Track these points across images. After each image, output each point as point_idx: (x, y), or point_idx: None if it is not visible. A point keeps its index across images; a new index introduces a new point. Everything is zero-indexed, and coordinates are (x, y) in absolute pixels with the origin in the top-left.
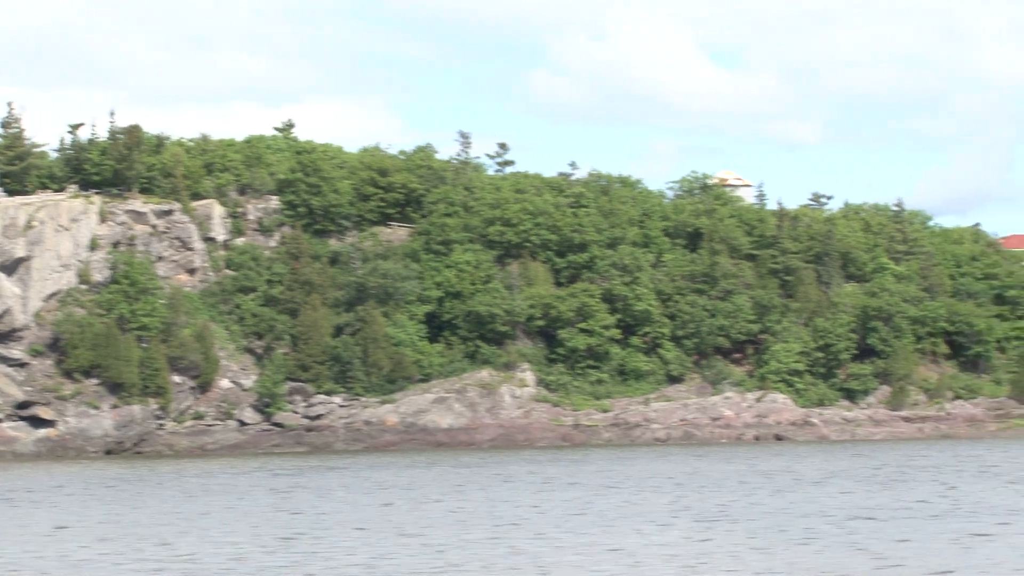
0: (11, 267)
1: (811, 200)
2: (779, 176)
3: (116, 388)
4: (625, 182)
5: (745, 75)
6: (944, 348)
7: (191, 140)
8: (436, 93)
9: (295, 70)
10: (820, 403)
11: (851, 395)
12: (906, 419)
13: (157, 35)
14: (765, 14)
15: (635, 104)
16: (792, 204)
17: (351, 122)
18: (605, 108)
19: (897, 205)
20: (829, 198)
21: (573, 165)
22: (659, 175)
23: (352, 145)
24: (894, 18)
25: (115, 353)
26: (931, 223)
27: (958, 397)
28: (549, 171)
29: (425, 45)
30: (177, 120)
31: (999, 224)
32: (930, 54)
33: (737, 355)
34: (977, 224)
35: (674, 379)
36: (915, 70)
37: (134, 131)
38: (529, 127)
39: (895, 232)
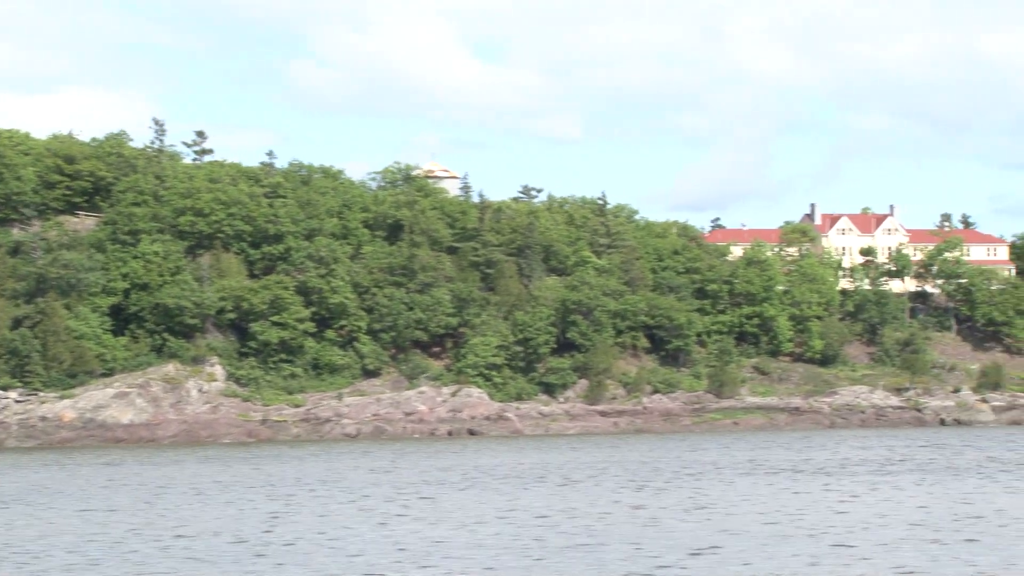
0: None
1: (521, 193)
2: (543, 171)
3: None
4: (327, 172)
5: (507, 70)
6: (644, 342)
7: None
8: (198, 84)
9: (51, 59)
10: (519, 397)
11: (550, 389)
12: (602, 413)
13: None
14: (526, 8)
15: (399, 97)
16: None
17: (109, 112)
18: (369, 100)
19: (601, 199)
20: (539, 191)
21: (271, 155)
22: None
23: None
24: (653, 15)
25: None
26: (637, 216)
27: (657, 391)
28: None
29: (185, 35)
30: None
31: (756, 219)
32: (688, 52)
33: (436, 349)
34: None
35: (370, 373)
36: (674, 67)
37: None
38: (292, 119)
39: (599, 225)
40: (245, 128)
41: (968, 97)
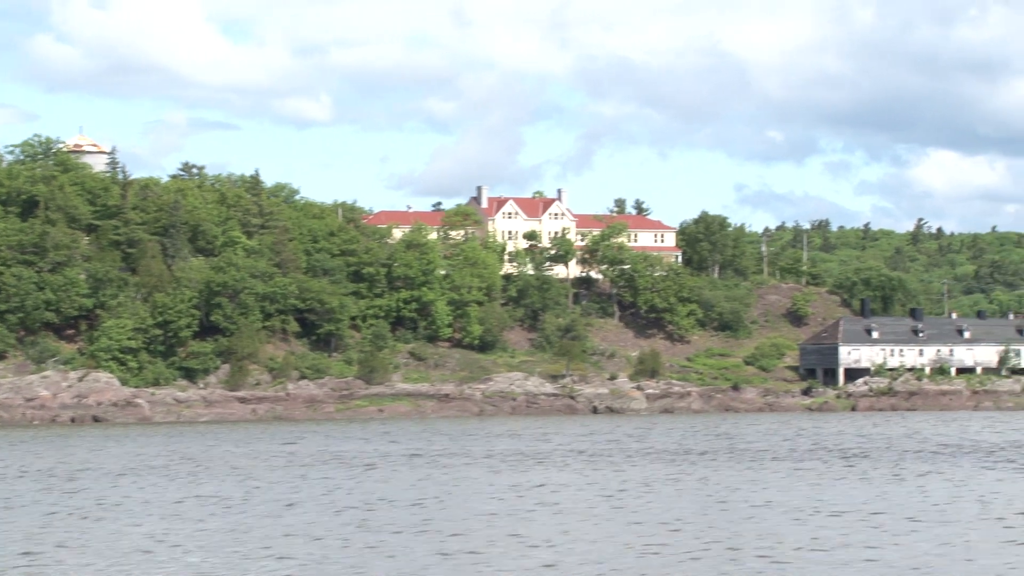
0: None
1: (181, 170)
2: (287, 154)
3: None
4: None
5: (256, 50)
6: (295, 326)
7: None
8: None
9: None
10: (156, 382)
11: (191, 374)
12: (241, 400)
13: None
14: None
15: (143, 75)
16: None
17: None
18: (113, 78)
19: (254, 177)
20: (201, 168)
21: None
22: (170, 149)
23: None
24: None
25: None
26: (298, 196)
27: (304, 377)
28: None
29: None
30: None
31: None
32: (437, 35)
33: (70, 331)
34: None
35: None
36: (422, 50)
37: None
38: (32, 96)
39: (251, 205)
40: None
41: (711, 88)
